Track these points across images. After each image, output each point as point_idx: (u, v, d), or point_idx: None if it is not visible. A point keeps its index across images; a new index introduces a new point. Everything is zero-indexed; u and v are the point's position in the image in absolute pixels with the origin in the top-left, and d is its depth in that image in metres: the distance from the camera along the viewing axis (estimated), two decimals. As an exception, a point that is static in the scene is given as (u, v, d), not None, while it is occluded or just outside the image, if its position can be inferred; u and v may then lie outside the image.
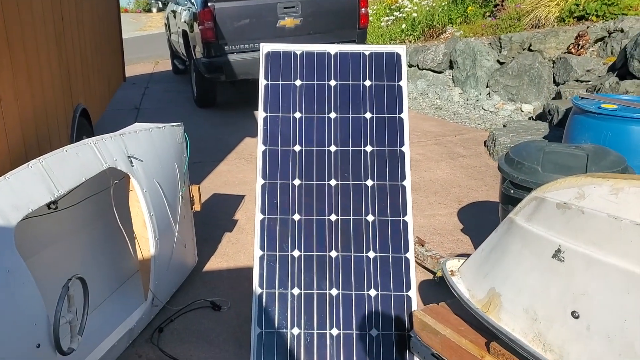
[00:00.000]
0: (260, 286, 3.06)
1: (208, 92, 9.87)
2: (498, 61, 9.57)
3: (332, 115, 3.30)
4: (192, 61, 9.83)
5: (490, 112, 8.85)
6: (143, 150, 3.35)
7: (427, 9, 12.64)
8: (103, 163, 2.95)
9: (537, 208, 2.33)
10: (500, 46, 9.50)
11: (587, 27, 8.49)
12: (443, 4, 12.42)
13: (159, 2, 19.61)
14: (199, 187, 4.04)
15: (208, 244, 4.69)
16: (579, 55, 8.24)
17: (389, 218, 3.15)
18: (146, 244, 3.39)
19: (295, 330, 2.98)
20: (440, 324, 2.64)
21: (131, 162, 3.19)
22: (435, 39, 11.71)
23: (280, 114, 3.32)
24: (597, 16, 8.73)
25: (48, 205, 3.05)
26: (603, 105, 4.65)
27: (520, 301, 2.25)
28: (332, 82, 3.36)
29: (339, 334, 2.97)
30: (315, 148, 3.26)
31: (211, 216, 5.27)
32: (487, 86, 9.58)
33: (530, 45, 8.96)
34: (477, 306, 2.47)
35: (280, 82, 3.38)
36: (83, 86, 5.88)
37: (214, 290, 3.97)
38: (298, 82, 3.37)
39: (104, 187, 3.67)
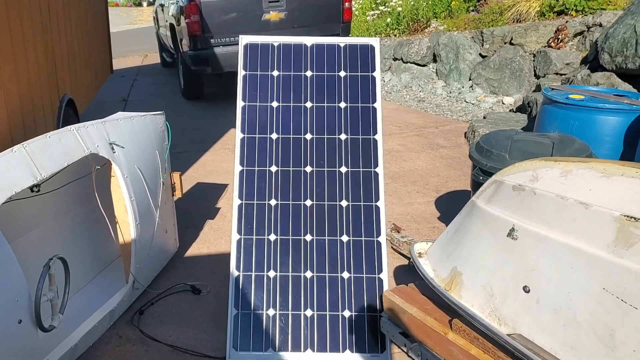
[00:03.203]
0: (237, 269, 3.17)
1: (195, 85, 9.98)
2: (480, 55, 9.71)
3: (308, 104, 3.42)
4: (179, 54, 9.93)
5: (472, 104, 8.98)
6: (124, 137, 3.44)
7: (412, 3, 12.74)
8: (85, 149, 3.05)
9: (496, 191, 2.45)
10: (483, 40, 9.63)
11: (567, 22, 8.64)
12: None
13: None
14: (180, 175, 4.14)
15: (190, 230, 4.80)
16: (559, 49, 8.38)
17: (361, 203, 3.26)
18: (127, 228, 3.48)
19: (271, 312, 3.10)
20: (407, 304, 2.76)
21: (113, 148, 3.28)
22: (419, 33, 11.83)
23: (258, 103, 3.43)
24: (577, 11, 8.88)
25: (31, 189, 3.14)
26: (571, 96, 4.78)
27: (479, 279, 2.38)
28: (309, 73, 3.47)
29: (312, 314, 3.09)
30: (291, 136, 3.38)
31: (194, 204, 5.37)
32: (470, 79, 9.71)
33: (512, 39, 9.09)
34: (440, 285, 2.60)
35: (259, 73, 3.49)
36: (69, 77, 5.96)
37: (194, 274, 4.08)
38: (275, 73, 3.48)
39: (86, 172, 3.77)
